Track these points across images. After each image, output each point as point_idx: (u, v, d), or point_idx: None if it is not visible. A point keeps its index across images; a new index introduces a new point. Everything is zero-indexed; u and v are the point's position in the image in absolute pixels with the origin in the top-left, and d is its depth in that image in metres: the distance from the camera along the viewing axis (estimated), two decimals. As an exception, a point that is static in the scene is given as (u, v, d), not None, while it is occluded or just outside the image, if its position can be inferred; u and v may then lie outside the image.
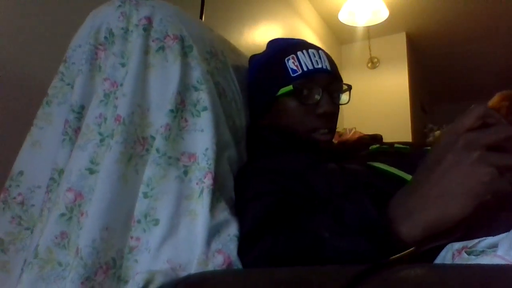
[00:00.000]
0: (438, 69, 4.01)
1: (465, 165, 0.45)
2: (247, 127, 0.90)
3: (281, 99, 0.86)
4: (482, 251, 0.47)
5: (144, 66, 0.68)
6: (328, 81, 0.85)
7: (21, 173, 0.72)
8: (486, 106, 0.48)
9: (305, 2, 2.96)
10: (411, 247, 0.46)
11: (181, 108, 0.68)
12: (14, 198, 0.70)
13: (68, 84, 0.75)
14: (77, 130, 0.68)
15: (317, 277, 0.40)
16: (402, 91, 3.28)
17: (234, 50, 0.98)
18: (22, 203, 0.70)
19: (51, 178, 0.67)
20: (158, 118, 0.67)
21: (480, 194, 0.44)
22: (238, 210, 0.67)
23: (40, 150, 0.73)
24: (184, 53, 0.71)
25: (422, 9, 3.01)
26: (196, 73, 0.71)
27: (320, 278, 0.40)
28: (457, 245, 0.49)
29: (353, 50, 3.41)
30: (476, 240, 0.48)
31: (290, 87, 0.83)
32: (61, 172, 0.66)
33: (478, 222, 0.49)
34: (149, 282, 0.53)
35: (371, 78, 3.28)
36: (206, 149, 0.66)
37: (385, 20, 2.86)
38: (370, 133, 1.04)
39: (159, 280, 0.53)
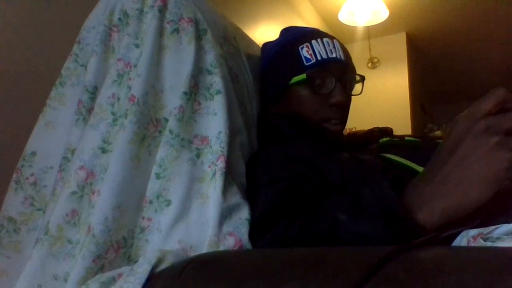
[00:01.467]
0: (438, 69, 4.00)
1: (484, 150, 0.44)
2: (258, 115, 0.90)
3: (293, 87, 0.85)
4: (498, 238, 0.47)
5: (159, 48, 0.68)
6: (341, 71, 0.84)
7: (33, 153, 0.72)
8: (506, 90, 0.47)
9: (305, 2, 2.95)
10: (429, 234, 0.46)
11: (194, 91, 0.67)
12: (27, 178, 0.70)
13: (82, 65, 0.75)
14: (90, 110, 0.68)
15: (337, 256, 0.40)
16: (402, 91, 3.27)
17: (246, 38, 0.97)
18: (34, 184, 0.70)
19: (64, 158, 0.67)
20: (172, 100, 0.66)
21: (499, 180, 0.44)
22: (250, 195, 0.67)
23: (53, 131, 0.72)
24: (198, 36, 0.71)
25: (422, 9, 3.01)
26: (210, 57, 0.70)
27: (340, 257, 0.39)
28: (473, 231, 0.49)
29: (353, 50, 3.37)
30: (493, 227, 0.47)
31: (303, 75, 0.82)
32: (74, 151, 0.66)
33: (496, 209, 0.49)
34: (161, 260, 0.52)
35: (371, 78, 3.27)
36: (219, 132, 0.65)
37: (385, 20, 2.85)
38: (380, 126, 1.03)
39: (170, 259, 0.53)
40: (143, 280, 0.49)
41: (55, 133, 0.72)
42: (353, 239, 0.49)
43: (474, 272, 0.32)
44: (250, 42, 1.00)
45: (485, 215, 0.48)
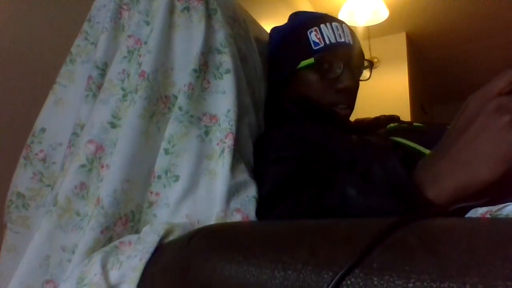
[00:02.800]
0: (438, 69, 3.98)
1: (496, 129, 0.44)
2: (266, 99, 0.90)
3: (301, 71, 0.85)
4: (507, 215, 0.47)
5: (169, 26, 0.68)
6: (350, 56, 0.84)
7: (43, 130, 0.72)
8: None
9: (305, 2, 2.93)
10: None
11: (204, 69, 0.67)
12: (36, 154, 0.70)
13: (92, 43, 0.75)
14: (100, 86, 0.68)
15: (346, 224, 0.40)
16: (402, 91, 3.25)
17: (255, 22, 0.97)
18: (43, 160, 0.71)
19: (74, 133, 0.67)
20: (181, 78, 0.66)
21: (510, 158, 0.44)
22: (257, 174, 0.67)
23: (63, 108, 0.73)
24: (209, 15, 0.71)
25: (422, 9, 2.99)
26: (220, 36, 0.70)
27: (349, 225, 0.39)
28: (481, 209, 0.49)
29: (353, 50, 3.37)
30: (501, 205, 0.47)
31: (312, 60, 0.82)
32: (83, 127, 0.66)
33: (506, 187, 0.48)
34: (169, 232, 0.53)
35: (371, 78, 3.24)
36: (228, 110, 0.65)
37: (385, 20, 2.83)
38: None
39: (178, 232, 0.53)
40: (151, 250, 0.49)
41: (64, 110, 0.73)
42: (361, 214, 0.49)
43: (484, 237, 0.32)
44: (259, 27, 1.00)
45: (494, 193, 0.48)
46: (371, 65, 0.89)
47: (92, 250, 0.54)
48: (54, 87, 0.74)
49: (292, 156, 0.66)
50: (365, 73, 0.90)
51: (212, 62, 0.69)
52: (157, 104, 0.64)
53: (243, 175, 0.63)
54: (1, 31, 0.99)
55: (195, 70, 0.65)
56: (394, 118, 0.99)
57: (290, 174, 0.63)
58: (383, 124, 0.91)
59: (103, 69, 0.70)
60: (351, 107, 0.86)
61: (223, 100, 0.66)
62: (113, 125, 0.63)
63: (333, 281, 0.33)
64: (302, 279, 0.35)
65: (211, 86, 0.68)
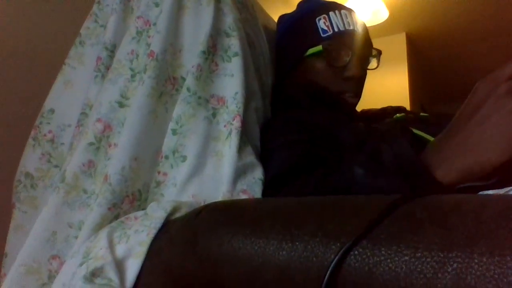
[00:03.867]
0: (438, 70, 3.96)
1: (505, 112, 0.44)
2: (273, 86, 0.90)
3: (309, 59, 0.85)
4: (514, 197, 0.47)
5: (178, 7, 0.68)
6: (358, 44, 0.84)
7: (51, 110, 0.72)
8: None
9: None
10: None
11: (212, 52, 0.67)
12: (44, 135, 0.71)
13: (102, 26, 0.75)
14: (109, 67, 0.68)
15: (354, 200, 0.40)
16: (402, 92, 3.23)
17: (262, 10, 0.97)
18: (52, 141, 0.71)
19: (82, 113, 0.67)
20: (190, 59, 0.66)
21: None
22: (264, 159, 0.67)
23: (72, 89, 0.73)
24: (218, -2, 0.71)
25: (422, 9, 2.97)
26: (228, 19, 0.70)
27: (357, 200, 0.40)
28: (488, 192, 0.49)
29: (352, 50, 3.34)
30: (508, 188, 0.47)
31: (320, 47, 0.82)
32: (92, 107, 0.66)
33: (513, 170, 0.48)
34: (176, 209, 0.53)
35: (371, 78, 3.22)
36: (236, 93, 0.65)
37: (385, 21, 2.82)
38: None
39: (184, 210, 0.54)
40: (158, 225, 0.49)
41: (73, 92, 0.73)
42: (369, 193, 0.49)
43: (492, 210, 0.32)
44: (266, 15, 1.00)
45: (501, 175, 0.48)
46: (379, 54, 0.89)
47: (99, 227, 0.54)
48: (63, 68, 0.74)
49: (299, 139, 0.66)
50: (373, 62, 0.89)
51: (221, 45, 0.69)
52: (165, 85, 0.64)
53: (250, 157, 0.63)
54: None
55: (203, 52, 0.65)
56: (400, 109, 0.98)
57: (297, 157, 0.63)
58: (389, 114, 0.91)
59: (112, 51, 0.70)
60: (358, 95, 0.86)
61: (231, 83, 0.66)
62: (121, 105, 0.63)
63: (340, 252, 0.33)
64: (310, 250, 0.36)
65: (219, 68, 0.68)
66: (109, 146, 0.61)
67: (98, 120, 0.61)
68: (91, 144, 0.61)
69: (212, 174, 0.61)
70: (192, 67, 0.65)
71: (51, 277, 0.57)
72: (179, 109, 0.63)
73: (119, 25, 0.71)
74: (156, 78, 0.62)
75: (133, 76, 0.65)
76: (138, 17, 0.68)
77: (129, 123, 0.59)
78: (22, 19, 1.02)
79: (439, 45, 3.55)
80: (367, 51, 0.87)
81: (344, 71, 0.82)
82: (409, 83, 3.28)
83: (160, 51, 0.63)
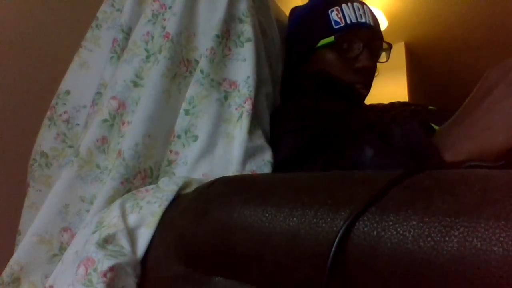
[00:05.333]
0: (437, 78, 3.96)
1: None
2: (282, 76, 0.91)
3: (320, 50, 0.86)
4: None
5: (194, -8, 0.69)
6: (369, 37, 0.85)
7: (67, 92, 0.74)
8: None
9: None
10: None
11: (225, 37, 0.69)
12: (60, 115, 0.72)
13: (118, 10, 0.77)
14: (124, 49, 0.70)
15: (363, 173, 0.41)
16: (402, 99, 3.23)
17: (274, 1, 0.99)
18: (67, 121, 0.72)
19: (97, 93, 0.69)
20: (204, 43, 0.68)
21: None
22: (273, 143, 0.68)
23: (88, 71, 0.75)
24: (232, -15, 0.72)
25: (421, 19, 2.98)
26: (242, 6, 0.72)
27: (366, 173, 0.41)
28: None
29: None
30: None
31: (332, 38, 0.83)
32: (107, 87, 0.68)
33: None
34: (187, 185, 0.54)
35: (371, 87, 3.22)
36: (248, 77, 0.66)
37: (383, 30, 2.83)
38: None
39: (195, 185, 0.55)
40: (170, 198, 0.51)
41: (89, 73, 0.75)
42: None
43: (498, 181, 0.33)
44: (278, 7, 1.01)
45: (510, 159, 0.49)
46: (390, 48, 0.90)
47: (111, 199, 0.56)
48: (79, 51, 0.76)
49: (309, 125, 0.67)
50: (383, 56, 0.90)
51: (234, 30, 0.70)
52: (179, 67, 0.65)
53: (260, 139, 0.64)
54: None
55: (217, 36, 0.67)
56: (408, 103, 0.99)
57: (307, 142, 0.64)
58: (397, 108, 0.92)
59: (128, 33, 0.71)
60: (368, 87, 0.87)
61: (243, 67, 0.68)
62: (136, 84, 0.64)
63: (350, 217, 0.34)
64: (320, 217, 0.36)
65: (232, 53, 0.69)
66: (123, 123, 0.62)
67: (113, 97, 0.63)
68: (105, 121, 0.62)
69: (222, 154, 0.62)
70: (206, 50, 0.66)
71: (62, 248, 0.58)
72: (192, 90, 0.64)
73: (134, 9, 0.72)
74: (171, 59, 0.63)
75: (148, 57, 0.66)
76: (154, 1, 0.69)
77: (143, 101, 0.60)
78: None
79: (437, 54, 3.58)
80: (378, 44, 0.88)
81: (355, 62, 0.83)
82: (408, 91, 3.29)
83: (175, 33, 0.64)
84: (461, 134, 0.48)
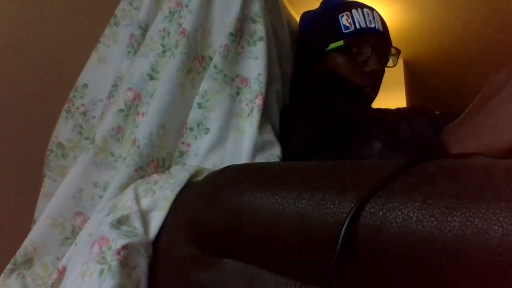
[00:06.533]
0: (434, 94, 3.98)
1: None
2: (292, 79, 0.93)
3: (330, 54, 0.88)
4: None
5: (209, -9, 0.72)
6: (378, 42, 0.87)
7: (85, 85, 0.76)
8: None
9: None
10: None
11: (239, 35, 0.71)
12: (77, 108, 0.75)
13: (136, 8, 0.80)
14: (141, 44, 0.72)
15: (369, 162, 0.42)
16: None
17: (285, 6, 1.01)
18: (84, 114, 0.75)
19: (114, 85, 0.71)
20: (218, 40, 0.70)
21: None
22: (283, 138, 0.70)
23: (105, 66, 0.77)
24: (246, -14, 0.75)
25: (419, 35, 3.02)
26: (255, 7, 0.74)
27: (373, 163, 0.42)
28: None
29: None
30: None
31: (341, 42, 0.85)
32: (123, 79, 0.70)
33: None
34: (198, 173, 0.56)
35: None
36: (259, 74, 0.69)
37: None
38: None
39: (206, 174, 0.57)
40: (182, 184, 0.53)
41: (106, 68, 0.77)
42: None
43: (500, 167, 0.35)
44: (288, 12, 1.04)
45: (514, 157, 0.50)
46: (398, 53, 0.92)
47: (125, 186, 0.57)
48: (97, 46, 0.79)
49: (318, 122, 0.69)
50: (391, 61, 0.92)
51: (247, 29, 0.72)
52: (194, 62, 0.68)
53: (269, 135, 0.66)
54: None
55: (231, 34, 0.69)
56: (415, 109, 1.01)
57: (316, 137, 0.65)
58: (404, 113, 0.94)
59: (145, 29, 0.74)
60: (375, 90, 0.89)
61: (255, 65, 0.70)
62: (151, 77, 0.67)
63: (360, 200, 0.36)
64: (328, 199, 0.38)
65: (245, 51, 0.71)
66: (137, 114, 0.65)
67: (129, 89, 0.65)
68: (121, 110, 0.64)
69: (232, 148, 0.64)
70: (220, 46, 0.68)
71: (74, 232, 0.60)
72: (205, 84, 0.66)
73: (152, 6, 0.75)
74: (186, 54, 0.65)
75: (163, 52, 0.68)
76: (171, -1, 0.72)
77: (159, 93, 0.63)
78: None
79: (436, 70, 3.61)
80: (387, 49, 0.90)
81: (363, 66, 0.85)
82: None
83: (191, 30, 0.67)
84: (468, 132, 0.50)
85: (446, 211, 0.33)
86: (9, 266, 0.57)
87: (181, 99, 0.64)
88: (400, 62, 3.32)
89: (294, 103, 0.80)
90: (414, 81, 3.64)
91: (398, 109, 1.02)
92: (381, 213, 0.35)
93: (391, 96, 3.27)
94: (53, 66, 1.07)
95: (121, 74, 0.71)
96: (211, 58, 0.69)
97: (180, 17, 0.71)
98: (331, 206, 0.37)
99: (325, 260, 0.36)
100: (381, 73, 0.89)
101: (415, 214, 0.34)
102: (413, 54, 3.31)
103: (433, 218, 0.33)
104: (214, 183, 0.47)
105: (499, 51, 3.09)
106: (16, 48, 0.99)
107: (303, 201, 0.39)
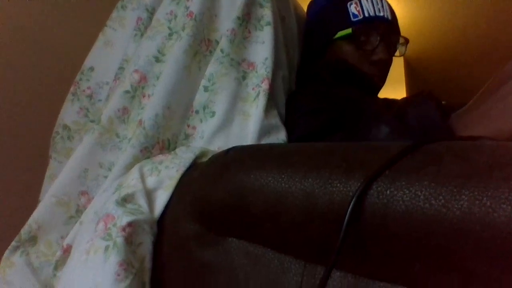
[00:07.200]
0: (436, 92, 3.98)
1: None
2: (298, 67, 0.92)
3: (338, 42, 0.87)
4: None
5: (218, -25, 0.71)
6: (387, 30, 0.86)
7: (91, 68, 0.76)
8: None
9: None
10: None
11: (246, 20, 0.70)
12: (83, 90, 0.75)
13: (143, -8, 0.79)
14: (148, 27, 0.72)
15: (376, 143, 0.42)
16: None
17: (293, -6, 1.00)
18: (90, 96, 0.75)
19: (120, 68, 0.71)
20: (225, 24, 0.70)
21: None
22: (289, 124, 0.69)
23: (112, 50, 0.77)
24: (253, -29, 0.74)
25: (420, 33, 3.00)
26: (263, -8, 0.73)
27: (379, 143, 0.42)
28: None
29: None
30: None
31: (349, 30, 0.85)
32: (129, 61, 0.70)
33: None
34: (203, 154, 0.56)
35: None
36: (266, 58, 0.68)
37: None
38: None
39: (211, 155, 0.57)
40: (187, 164, 0.52)
41: (113, 52, 0.77)
42: None
43: (507, 148, 0.34)
44: (295, 1, 1.03)
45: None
46: (407, 42, 0.91)
47: (130, 166, 0.58)
48: (104, 30, 0.78)
49: (325, 108, 0.68)
50: (400, 49, 0.92)
51: (254, 14, 0.72)
52: (200, 45, 0.67)
53: (275, 119, 0.66)
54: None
55: (238, 18, 0.68)
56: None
57: (322, 122, 0.65)
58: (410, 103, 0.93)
59: (152, 13, 0.74)
60: (383, 80, 0.88)
61: (261, 49, 0.69)
62: (158, 60, 0.66)
63: (367, 179, 0.36)
64: (335, 178, 0.38)
65: (252, 36, 0.71)
66: (143, 96, 0.64)
67: (135, 71, 0.65)
68: (126, 92, 0.64)
69: (238, 131, 0.64)
70: (227, 30, 0.68)
71: (79, 211, 0.60)
72: (212, 68, 0.66)
73: (159, -10, 0.75)
74: (193, 36, 0.65)
75: (170, 34, 0.68)
76: (179, -18, 0.72)
77: (165, 75, 0.62)
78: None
79: (437, 68, 3.61)
80: (395, 38, 0.89)
81: (371, 54, 0.84)
82: (407, 103, 3.30)
83: (198, 13, 0.66)
84: (475, 118, 0.50)
85: (454, 189, 0.32)
86: (13, 243, 0.57)
87: (187, 81, 0.64)
88: (401, 59, 3.30)
89: (301, 89, 0.79)
90: (415, 78, 3.64)
91: (405, 98, 1.01)
92: (388, 192, 0.35)
93: (392, 93, 3.25)
94: (59, 50, 1.07)
95: (128, 57, 0.71)
96: (217, 42, 0.69)
97: (187, 0, 0.70)
98: (338, 185, 0.37)
99: (330, 238, 0.36)
100: (389, 62, 0.88)
101: (423, 192, 0.33)
102: (413, 51, 3.30)
103: (441, 197, 0.32)
104: (219, 163, 0.47)
105: (499, 47, 3.07)
106: (22, 31, 0.99)
107: (309, 179, 0.39)
